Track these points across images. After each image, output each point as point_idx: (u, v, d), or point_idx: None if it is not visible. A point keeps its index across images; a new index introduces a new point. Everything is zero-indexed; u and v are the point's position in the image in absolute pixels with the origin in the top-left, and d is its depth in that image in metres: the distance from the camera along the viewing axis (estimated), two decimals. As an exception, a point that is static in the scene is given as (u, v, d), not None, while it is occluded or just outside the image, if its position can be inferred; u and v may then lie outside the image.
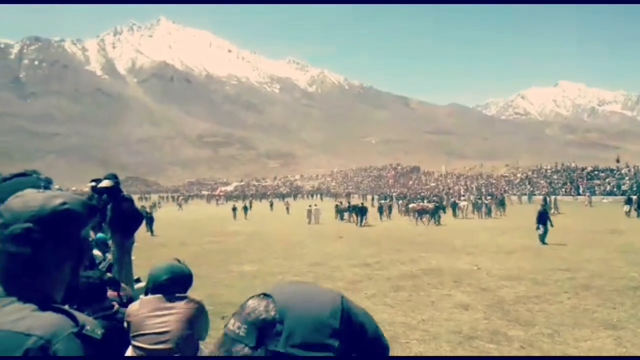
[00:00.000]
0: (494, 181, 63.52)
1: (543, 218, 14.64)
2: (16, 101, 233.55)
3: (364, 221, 24.26)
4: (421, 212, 24.78)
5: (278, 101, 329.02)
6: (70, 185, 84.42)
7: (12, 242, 0.95)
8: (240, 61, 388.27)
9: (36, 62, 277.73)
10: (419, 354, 5.17)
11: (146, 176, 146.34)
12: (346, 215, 27.95)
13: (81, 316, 0.94)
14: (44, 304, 0.93)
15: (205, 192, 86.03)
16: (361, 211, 24.69)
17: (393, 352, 5.18)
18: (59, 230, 0.98)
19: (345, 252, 13.82)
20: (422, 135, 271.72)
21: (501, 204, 31.20)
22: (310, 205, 28.56)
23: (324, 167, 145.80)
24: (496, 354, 5.15)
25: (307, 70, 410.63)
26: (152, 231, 21.43)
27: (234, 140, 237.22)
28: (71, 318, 0.91)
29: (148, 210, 26.42)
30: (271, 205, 43.92)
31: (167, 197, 75.57)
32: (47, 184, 1.34)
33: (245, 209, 34.12)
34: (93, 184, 5.57)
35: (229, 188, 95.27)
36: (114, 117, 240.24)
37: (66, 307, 0.97)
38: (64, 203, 0.99)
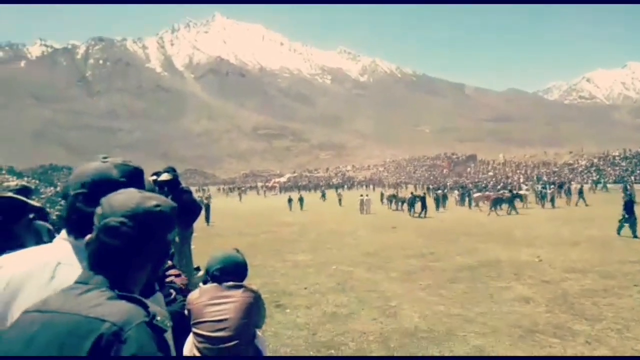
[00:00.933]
0: (556, 169, 60.48)
1: (630, 207, 13.53)
2: (84, 99, 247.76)
3: (423, 212, 23.61)
4: (497, 201, 23.99)
5: (330, 92, 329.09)
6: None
7: (105, 232, 1.05)
8: (292, 53, 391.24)
9: (101, 61, 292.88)
10: (476, 347, 5.02)
11: (204, 168, 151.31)
12: (397, 204, 27.78)
13: (153, 306, 0.99)
14: (121, 294, 1.00)
15: (259, 184, 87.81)
16: (422, 201, 23.98)
17: (450, 345, 5.07)
18: (148, 229, 1.06)
19: (399, 242, 13.65)
20: (478, 123, 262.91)
21: (579, 193, 28.00)
22: (361, 195, 28.52)
23: (376, 158, 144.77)
24: (559, 348, 4.91)
25: (359, 60, 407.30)
26: (208, 221, 22.20)
27: (287, 132, 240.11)
28: (144, 308, 0.97)
29: (205, 201, 27.35)
30: (323, 195, 44.21)
31: (224, 189, 77.86)
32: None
33: (301, 200, 33.69)
34: (154, 177, 5.81)
35: (282, 179, 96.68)
36: (174, 112, 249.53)
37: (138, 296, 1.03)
38: (158, 205, 1.08)
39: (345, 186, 71.04)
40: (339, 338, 5.40)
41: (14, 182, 3.22)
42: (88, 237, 1.10)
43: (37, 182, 42.55)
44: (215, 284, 2.41)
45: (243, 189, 71.61)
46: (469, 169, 78.35)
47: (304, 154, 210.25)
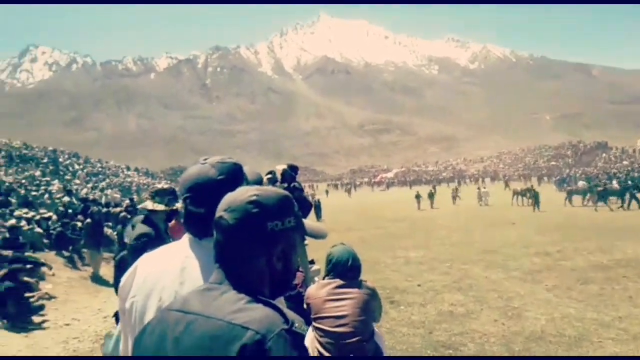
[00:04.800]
0: None
1: None
2: (205, 105, 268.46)
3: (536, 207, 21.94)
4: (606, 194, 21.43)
5: (437, 82, 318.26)
6: (250, 178, 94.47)
7: (214, 229, 1.09)
8: (397, 46, 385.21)
9: (218, 69, 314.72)
10: (614, 355, 4.53)
11: (314, 165, 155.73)
12: (518, 198, 25.93)
13: (289, 312, 0.99)
14: (255, 297, 1.01)
15: (366, 179, 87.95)
16: (535, 195, 22.46)
17: (582, 351, 4.64)
18: (244, 220, 1.04)
19: (520, 239, 12.78)
20: (607, 106, 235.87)
21: None
22: (479, 188, 27.48)
23: (489, 149, 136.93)
24: None
25: (468, 47, 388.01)
26: (319, 216, 22.84)
27: (394, 127, 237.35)
28: (281, 314, 0.96)
29: (316, 197, 28.18)
30: (434, 189, 42.96)
31: (334, 185, 79.36)
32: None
33: (431, 195, 29.09)
34: (269, 176, 6.16)
35: (390, 175, 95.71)
36: (284, 112, 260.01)
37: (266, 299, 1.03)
38: (255, 195, 1.07)
39: (457, 180, 68.27)
40: (457, 338, 5.22)
41: (160, 185, 3.60)
42: None
43: (170, 182, 47.18)
44: (332, 279, 2.47)
45: (351, 185, 72.36)
46: (597, 158, 70.64)
47: (411, 148, 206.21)
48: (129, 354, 1.35)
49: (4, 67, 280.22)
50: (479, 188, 27.27)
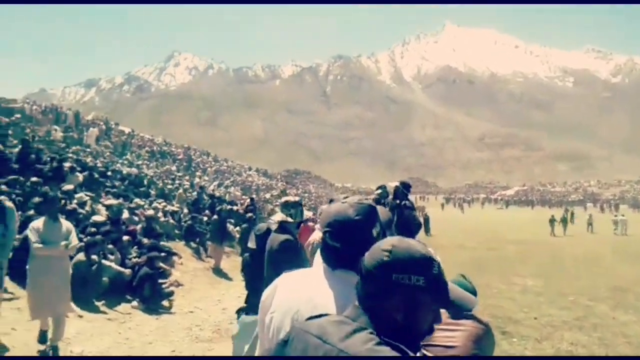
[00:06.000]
0: None
1: None
2: (324, 112, 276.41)
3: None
4: None
5: (571, 96, 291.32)
6: (362, 184, 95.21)
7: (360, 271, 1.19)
8: (528, 56, 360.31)
9: (339, 77, 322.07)
10: None
11: (426, 177, 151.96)
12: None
13: (412, 356, 1.09)
14: (384, 339, 1.08)
15: (482, 195, 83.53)
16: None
17: None
18: (377, 270, 1.13)
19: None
20: None
21: None
22: (615, 215, 24.70)
23: (629, 173, 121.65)
24: None
25: (611, 59, 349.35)
26: (427, 232, 22.25)
27: (518, 141, 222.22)
28: (402, 354, 1.05)
29: (426, 211, 27.48)
30: (567, 214, 39.33)
31: (446, 199, 76.66)
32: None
33: (564, 220, 26.17)
34: (379, 191, 6.24)
35: (509, 192, 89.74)
36: (400, 122, 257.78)
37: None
38: (392, 246, 1.16)
39: (588, 203, 61.81)
40: (574, 382, 4.81)
41: (292, 198, 3.89)
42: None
43: (285, 184, 49.49)
44: (443, 310, 2.44)
45: (466, 199, 69.28)
46: None
47: (536, 165, 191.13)
48: None
49: (152, 70, 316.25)
50: (615, 215, 24.48)
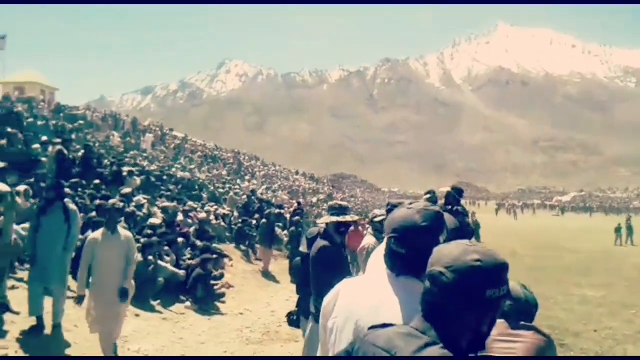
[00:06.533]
0: None
1: None
2: (370, 115, 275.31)
3: None
4: None
5: (633, 97, 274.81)
6: (409, 188, 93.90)
7: (429, 279, 1.14)
8: (586, 56, 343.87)
9: (386, 80, 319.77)
10: None
11: (476, 182, 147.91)
12: None
13: None
14: (456, 352, 1.06)
15: (536, 201, 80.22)
16: None
17: None
18: (465, 282, 1.09)
19: None
20: None
21: None
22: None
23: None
24: None
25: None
26: (478, 239, 21.56)
27: (574, 145, 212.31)
28: None
29: (475, 217, 26.62)
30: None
31: (500, 205, 74.18)
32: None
33: (629, 228, 24.18)
34: (428, 195, 6.13)
35: (565, 198, 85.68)
36: (449, 124, 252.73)
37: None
38: (478, 260, 1.11)
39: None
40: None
41: (340, 202, 3.89)
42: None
43: (332, 188, 49.65)
44: (502, 320, 2.34)
45: (517, 205, 66.76)
46: None
47: (595, 170, 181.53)
48: None
49: (204, 77, 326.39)
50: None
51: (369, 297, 1.48)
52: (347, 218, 3.41)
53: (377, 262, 2.86)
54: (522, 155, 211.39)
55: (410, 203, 1.57)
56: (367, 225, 5.13)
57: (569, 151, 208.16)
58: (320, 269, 3.30)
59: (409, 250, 1.42)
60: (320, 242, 3.41)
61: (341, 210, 3.54)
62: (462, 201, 6.53)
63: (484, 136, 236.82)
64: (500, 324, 2.37)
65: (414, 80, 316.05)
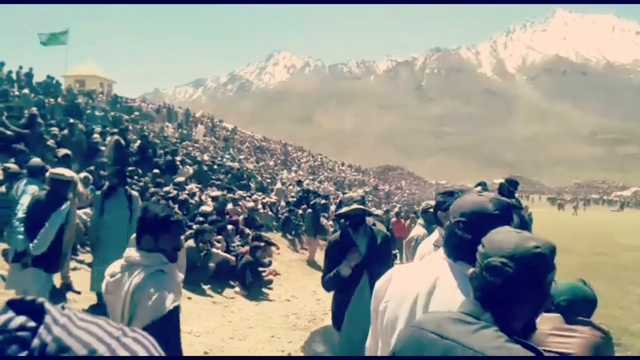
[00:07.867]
0: None
1: None
2: (418, 106, 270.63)
3: None
4: None
5: None
6: (457, 181, 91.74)
7: (487, 271, 1.13)
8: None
9: (435, 70, 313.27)
10: None
11: (529, 175, 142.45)
12: None
13: (543, 355, 1.08)
14: (512, 337, 1.06)
15: (594, 196, 76.31)
16: None
17: None
18: (527, 270, 1.10)
19: None
20: None
21: None
22: None
23: None
24: None
25: None
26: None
27: (636, 137, 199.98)
28: (537, 355, 1.04)
29: (529, 211, 25.74)
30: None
31: (551, 199, 71.31)
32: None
33: None
34: (479, 188, 5.99)
35: (626, 193, 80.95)
36: (501, 116, 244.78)
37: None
38: (537, 247, 1.12)
39: None
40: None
41: (351, 193, 3.94)
42: (471, 270, 1.21)
43: (377, 180, 49.37)
44: (558, 315, 2.27)
45: (582, 200, 63.64)
46: None
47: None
48: (375, 352, 1.61)
49: (253, 70, 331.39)
50: None
51: (422, 282, 1.47)
52: (344, 209, 3.45)
53: (427, 251, 2.87)
54: (579, 148, 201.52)
55: (480, 191, 1.56)
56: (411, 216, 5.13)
57: (631, 144, 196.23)
58: (327, 260, 3.44)
59: (475, 237, 1.35)
60: (331, 235, 3.56)
61: (346, 204, 3.59)
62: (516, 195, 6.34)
63: (538, 128, 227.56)
64: (556, 318, 2.30)
65: (465, 70, 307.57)
